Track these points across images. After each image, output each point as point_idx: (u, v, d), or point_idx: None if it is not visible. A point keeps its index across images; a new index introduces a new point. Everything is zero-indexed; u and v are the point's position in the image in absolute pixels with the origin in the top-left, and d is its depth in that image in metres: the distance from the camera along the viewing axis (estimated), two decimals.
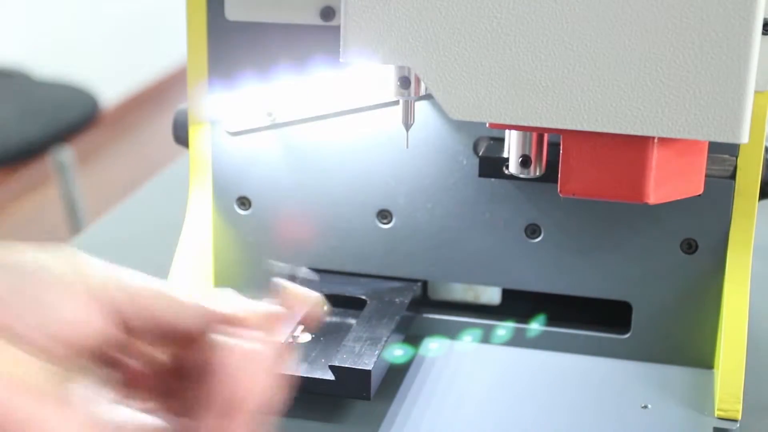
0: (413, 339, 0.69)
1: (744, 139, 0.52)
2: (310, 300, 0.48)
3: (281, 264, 0.55)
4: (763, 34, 0.54)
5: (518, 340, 0.70)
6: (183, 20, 0.69)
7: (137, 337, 0.45)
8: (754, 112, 0.54)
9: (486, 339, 0.70)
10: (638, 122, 0.53)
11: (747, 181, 0.65)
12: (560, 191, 0.58)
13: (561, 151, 0.57)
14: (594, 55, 0.52)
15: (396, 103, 0.65)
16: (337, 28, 0.57)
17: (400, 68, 0.60)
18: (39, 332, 0.41)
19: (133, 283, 0.44)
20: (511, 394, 0.65)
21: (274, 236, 0.72)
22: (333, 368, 0.60)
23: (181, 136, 0.73)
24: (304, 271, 0.52)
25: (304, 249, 0.72)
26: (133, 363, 0.47)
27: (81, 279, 0.43)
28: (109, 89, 3.20)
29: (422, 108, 0.67)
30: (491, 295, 0.72)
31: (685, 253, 0.67)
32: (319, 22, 0.67)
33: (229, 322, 0.45)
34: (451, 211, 0.69)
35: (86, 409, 0.41)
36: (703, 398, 0.64)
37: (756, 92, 0.60)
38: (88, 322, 0.43)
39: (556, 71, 0.53)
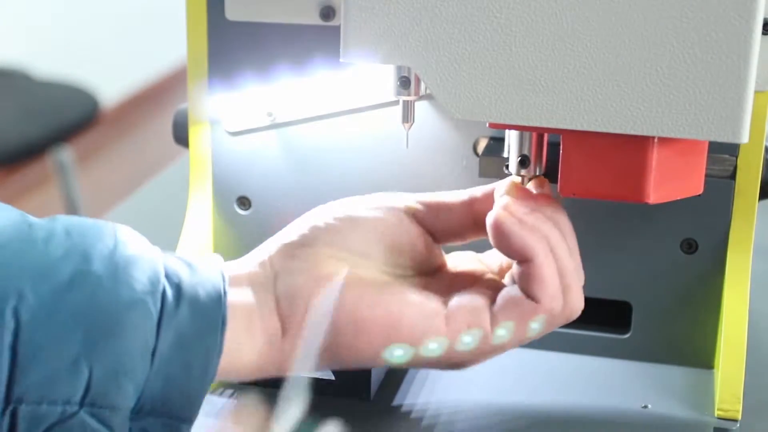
0: None
1: (744, 139, 0.52)
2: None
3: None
4: (763, 34, 0.54)
5: None
6: (183, 20, 0.69)
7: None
8: (754, 112, 0.54)
9: None
10: (638, 122, 0.53)
11: (747, 181, 0.65)
12: (560, 191, 0.58)
13: (561, 151, 0.57)
14: (594, 54, 0.52)
15: (396, 103, 0.65)
16: (337, 28, 0.57)
17: (400, 68, 0.60)
18: (368, 245, 0.56)
19: (428, 198, 0.59)
20: (511, 393, 0.65)
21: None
22: None
23: (181, 136, 0.73)
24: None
25: None
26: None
27: (398, 199, 0.58)
28: (109, 89, 3.20)
29: (422, 108, 0.67)
30: None
31: (685, 253, 0.67)
32: (319, 22, 0.67)
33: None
34: None
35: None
36: (703, 398, 0.64)
37: (756, 92, 0.60)
38: (404, 232, 0.58)
39: (556, 71, 0.53)
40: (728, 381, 0.62)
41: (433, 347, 0.54)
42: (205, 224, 0.72)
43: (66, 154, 2.20)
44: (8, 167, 2.25)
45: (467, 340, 0.55)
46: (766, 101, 0.62)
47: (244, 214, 0.72)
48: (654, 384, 0.66)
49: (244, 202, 0.72)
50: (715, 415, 0.62)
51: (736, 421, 0.62)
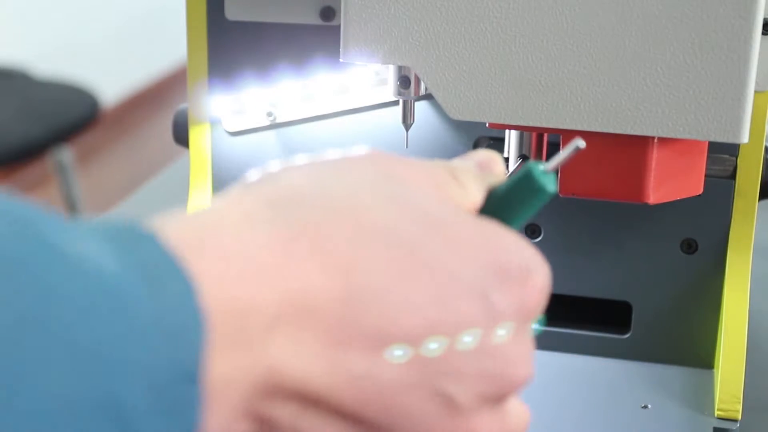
0: None
1: (744, 139, 0.52)
2: None
3: None
4: (763, 34, 0.54)
5: None
6: (183, 20, 0.69)
7: None
8: (754, 112, 0.54)
9: None
10: (638, 122, 0.53)
11: (747, 181, 0.65)
12: (560, 191, 0.58)
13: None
14: (594, 55, 0.52)
15: (396, 103, 0.65)
16: (337, 28, 0.57)
17: (400, 68, 0.60)
18: None
19: None
20: None
21: None
22: None
23: (181, 136, 0.73)
24: None
25: None
26: None
27: None
28: (109, 89, 3.20)
29: (422, 108, 0.67)
30: None
31: (685, 253, 0.67)
32: (319, 22, 0.67)
33: None
34: None
35: None
36: (703, 398, 0.64)
37: (756, 92, 0.60)
38: None
39: (556, 71, 0.53)
40: (728, 381, 0.62)
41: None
42: None
43: (66, 154, 2.20)
44: (8, 167, 2.25)
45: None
46: (766, 101, 0.62)
47: None
48: (654, 384, 0.66)
49: None
50: (715, 415, 0.62)
51: (736, 421, 0.62)
